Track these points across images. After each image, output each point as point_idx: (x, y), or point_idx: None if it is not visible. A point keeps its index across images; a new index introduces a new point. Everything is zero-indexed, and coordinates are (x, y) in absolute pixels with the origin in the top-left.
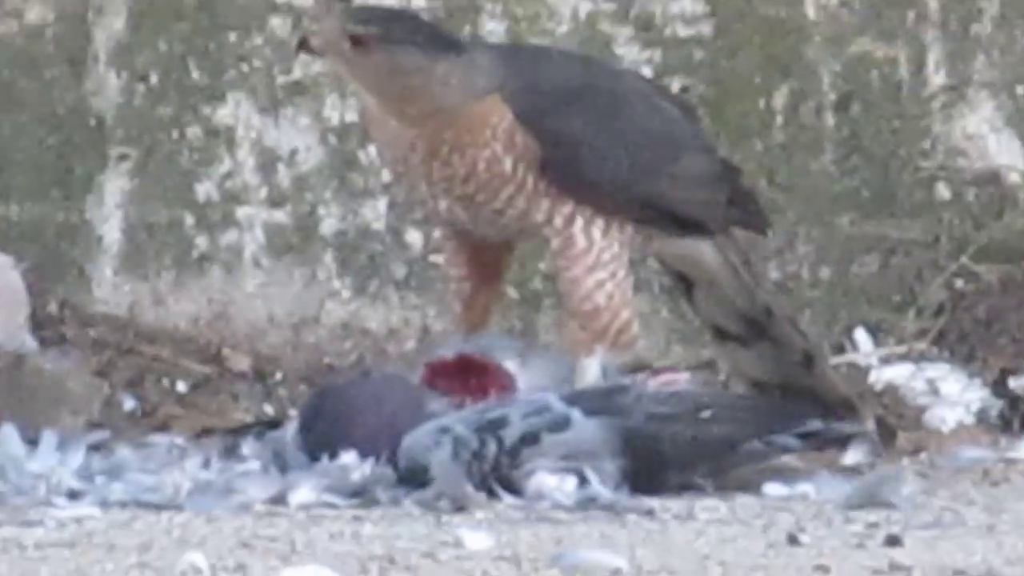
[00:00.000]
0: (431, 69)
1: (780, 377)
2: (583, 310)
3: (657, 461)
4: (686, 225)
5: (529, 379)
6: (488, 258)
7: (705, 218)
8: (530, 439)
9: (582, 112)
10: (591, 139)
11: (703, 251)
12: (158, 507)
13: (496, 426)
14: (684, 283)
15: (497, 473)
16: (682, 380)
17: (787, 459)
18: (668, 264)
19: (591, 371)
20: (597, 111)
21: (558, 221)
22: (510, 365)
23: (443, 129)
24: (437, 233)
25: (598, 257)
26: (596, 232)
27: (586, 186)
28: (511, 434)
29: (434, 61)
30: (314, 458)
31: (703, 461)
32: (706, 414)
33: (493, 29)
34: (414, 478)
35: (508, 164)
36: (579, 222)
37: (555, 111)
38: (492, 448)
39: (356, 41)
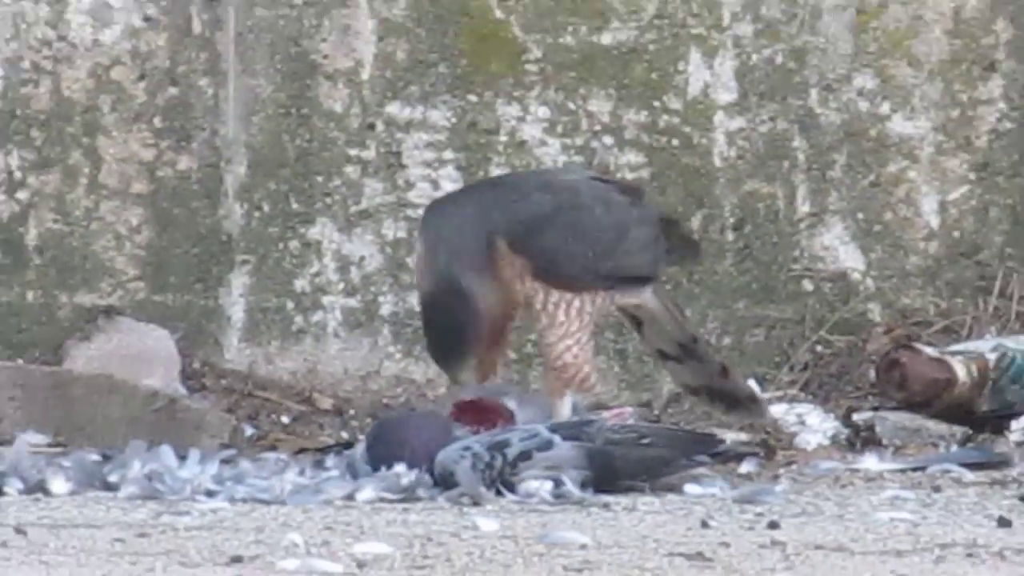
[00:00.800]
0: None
1: (705, 382)
2: (557, 366)
3: (612, 472)
4: (638, 280)
5: (524, 414)
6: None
7: (650, 273)
8: (525, 455)
9: (554, 229)
10: (564, 248)
11: (648, 299)
12: (269, 502)
13: (502, 446)
14: (636, 322)
15: (502, 479)
16: (630, 416)
17: (702, 470)
18: (626, 312)
19: (564, 408)
20: (565, 226)
21: (550, 307)
22: (511, 404)
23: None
24: None
25: (567, 329)
26: (571, 312)
27: (565, 279)
28: (512, 452)
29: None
30: (376, 469)
31: (644, 472)
32: (647, 440)
33: (499, 172)
34: (445, 482)
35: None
36: (562, 306)
37: (536, 233)
38: (499, 461)
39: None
